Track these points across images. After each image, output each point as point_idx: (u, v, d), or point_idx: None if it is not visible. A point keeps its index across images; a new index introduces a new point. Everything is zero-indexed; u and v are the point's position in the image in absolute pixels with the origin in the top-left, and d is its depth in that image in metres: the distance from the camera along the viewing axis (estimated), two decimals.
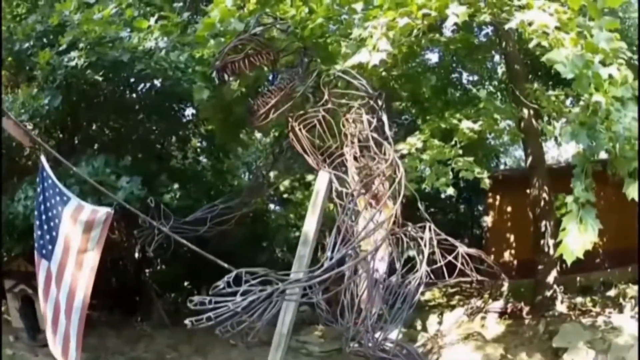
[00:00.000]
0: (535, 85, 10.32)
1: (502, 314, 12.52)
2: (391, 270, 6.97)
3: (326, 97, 7.10)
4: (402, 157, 9.81)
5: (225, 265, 6.65)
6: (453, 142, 9.74)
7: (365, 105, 6.97)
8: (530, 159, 12.71)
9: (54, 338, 6.27)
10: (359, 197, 6.38)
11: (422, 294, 13.04)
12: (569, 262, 5.62)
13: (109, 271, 14.75)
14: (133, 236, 10.27)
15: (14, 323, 11.29)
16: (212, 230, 8.41)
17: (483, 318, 12.27)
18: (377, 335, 6.66)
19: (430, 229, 7.47)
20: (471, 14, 7.69)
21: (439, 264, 7.57)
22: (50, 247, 6.22)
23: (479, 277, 8.56)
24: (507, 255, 14.63)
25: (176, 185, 12.04)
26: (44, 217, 6.29)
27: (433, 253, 7.49)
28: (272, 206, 18.76)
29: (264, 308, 4.56)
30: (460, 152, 9.60)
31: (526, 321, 11.72)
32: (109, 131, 12.86)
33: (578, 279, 13.25)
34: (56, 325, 6.28)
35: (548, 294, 11.96)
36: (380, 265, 7.06)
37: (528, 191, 12.70)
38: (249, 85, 8.80)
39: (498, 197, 15.01)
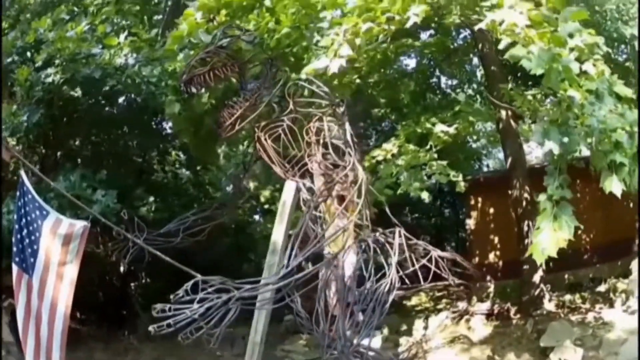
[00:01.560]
0: (510, 85, 10.18)
1: (488, 315, 12.52)
2: (362, 276, 6.98)
3: (291, 106, 7.16)
4: (377, 163, 10.02)
5: (198, 275, 6.56)
6: (428, 147, 9.83)
7: (328, 114, 7.08)
8: (510, 160, 12.67)
9: (35, 354, 6.38)
10: (321, 203, 6.55)
11: (408, 299, 13.24)
12: (538, 262, 5.93)
13: (95, 285, 14.87)
14: (117, 251, 10.51)
15: (4, 337, 11.22)
16: (185, 242, 8.48)
17: (468, 320, 12.33)
18: (351, 341, 6.75)
19: (400, 234, 7.51)
20: (440, 16, 7.88)
21: (411, 269, 7.65)
22: (32, 259, 6.34)
23: (456, 280, 8.66)
24: (492, 257, 14.69)
25: (152, 198, 12.17)
26: (24, 230, 6.42)
27: (404, 259, 7.55)
28: (256, 217, 18.79)
29: (221, 315, 4.71)
30: (436, 156, 9.67)
31: (514, 321, 11.71)
32: (90, 145, 12.91)
33: (566, 276, 13.25)
34: (38, 339, 6.40)
35: (535, 293, 11.89)
36: (350, 271, 7.21)
37: (510, 192, 12.65)
38: (218, 97, 8.87)
39: (480, 200, 15.05)
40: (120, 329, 13.84)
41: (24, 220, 6.43)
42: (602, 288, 12.32)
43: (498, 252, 14.59)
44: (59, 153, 12.54)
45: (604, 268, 13.01)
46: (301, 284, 5.76)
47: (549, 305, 11.80)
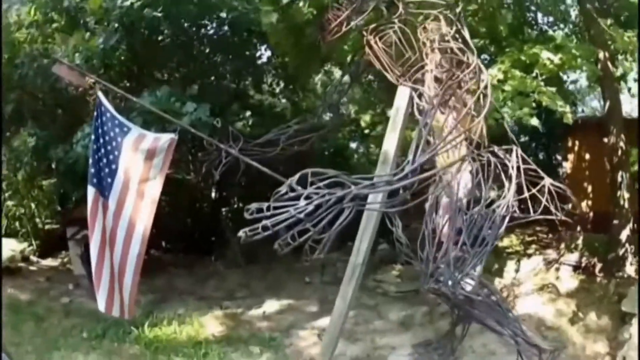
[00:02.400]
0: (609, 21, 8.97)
1: (576, 267, 11.03)
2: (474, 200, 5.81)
3: (401, 9, 6.05)
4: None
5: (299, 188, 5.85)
6: (534, 74, 8.48)
7: (442, 16, 5.91)
8: (607, 104, 11.13)
9: (109, 282, 5.69)
10: (440, 106, 5.32)
11: (501, 238, 11.77)
12: None
13: (184, 212, 13.94)
14: (209, 175, 9.41)
15: (76, 271, 10.72)
16: (285, 152, 7.32)
17: (557, 269, 10.94)
18: (458, 271, 5.58)
19: (517, 154, 6.24)
20: None
21: (526, 194, 6.29)
22: (109, 179, 5.63)
23: (563, 217, 7.11)
24: (583, 206, 12.88)
25: (249, 113, 10.76)
26: (102, 150, 5.68)
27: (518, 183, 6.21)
28: (353, 145, 17.28)
29: (333, 216, 3.37)
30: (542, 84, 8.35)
31: (598, 279, 10.29)
32: (176, 72, 11.51)
33: None
34: (112, 265, 5.71)
35: (620, 252, 10.42)
36: (463, 192, 5.82)
37: (605, 140, 11.14)
38: (319, 6, 7.47)
39: (577, 144, 13.26)
40: (208, 255, 12.81)
41: (101, 140, 5.69)
42: None
43: (590, 202, 12.75)
44: (138, 81, 11.16)
45: None
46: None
47: (629, 269, 10.28)
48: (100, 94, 5.76)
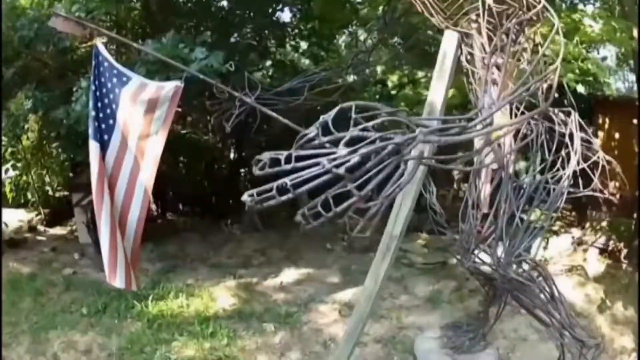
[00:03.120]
0: None
1: (602, 251, 10.01)
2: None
3: None
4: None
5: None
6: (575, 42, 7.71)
7: None
8: None
9: (110, 247, 4.75)
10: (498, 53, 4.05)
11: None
12: None
13: (201, 175, 12.82)
14: (228, 136, 8.09)
15: (81, 239, 9.66)
16: (310, 102, 5.97)
17: (585, 251, 9.93)
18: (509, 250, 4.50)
19: (575, 120, 5.11)
20: None
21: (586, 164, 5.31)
22: (106, 137, 4.79)
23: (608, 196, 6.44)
24: (610, 187, 11.58)
25: (269, 62, 9.38)
26: (99, 104, 4.84)
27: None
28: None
29: (387, 174, 2.01)
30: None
31: (624, 265, 9.39)
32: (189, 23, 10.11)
33: None
34: (114, 228, 4.76)
35: None
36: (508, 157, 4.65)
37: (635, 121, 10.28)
38: None
39: (607, 122, 11.89)
40: (224, 218, 11.52)
41: (98, 92, 4.85)
42: None
43: (617, 183, 11.37)
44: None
45: None
46: None
47: None
48: (98, 42, 4.87)
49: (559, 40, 3.77)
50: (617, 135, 11.70)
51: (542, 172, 4.86)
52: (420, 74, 13.16)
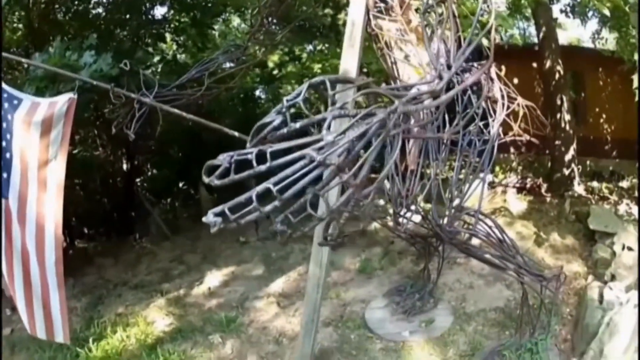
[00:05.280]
0: None
1: (520, 189, 10.49)
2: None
3: None
4: None
5: (236, 133, 4.71)
6: None
7: None
8: (543, 30, 10.43)
9: (26, 301, 4.30)
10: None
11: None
12: None
13: (98, 193, 12.26)
14: (118, 147, 7.61)
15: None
16: (211, 92, 5.54)
17: (505, 192, 10.30)
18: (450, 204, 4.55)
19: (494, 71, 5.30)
20: None
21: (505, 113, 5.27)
22: (5, 175, 4.16)
23: (530, 138, 6.77)
24: (515, 128, 12.08)
25: (157, 58, 8.93)
26: None
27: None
28: (257, 91, 15.55)
29: (377, 153, 1.73)
30: None
31: (547, 199, 9.83)
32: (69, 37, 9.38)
33: (588, 162, 11.55)
34: (28, 281, 4.28)
35: (566, 172, 10.15)
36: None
37: (535, 65, 10.97)
38: None
39: (503, 68, 12.24)
40: (131, 234, 11.10)
41: None
42: (624, 184, 10.75)
43: (522, 125, 11.89)
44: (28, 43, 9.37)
45: (623, 163, 11.40)
46: None
47: (577, 189, 10.09)
48: None
49: None
50: (516, 81, 12.22)
51: (467, 124, 4.80)
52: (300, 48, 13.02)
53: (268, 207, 1.60)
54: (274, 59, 13.35)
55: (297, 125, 1.70)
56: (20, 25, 9.13)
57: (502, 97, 5.30)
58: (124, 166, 12.48)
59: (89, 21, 9.64)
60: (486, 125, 4.98)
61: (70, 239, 11.58)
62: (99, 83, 4.73)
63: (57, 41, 6.40)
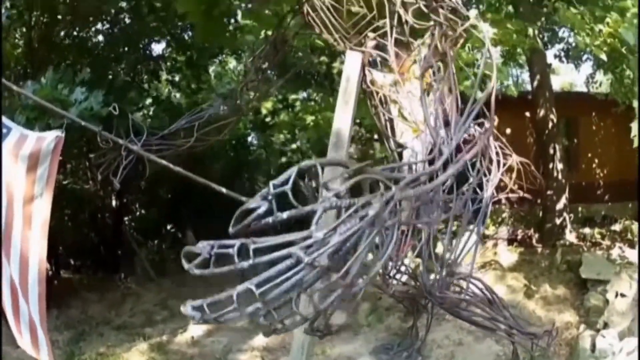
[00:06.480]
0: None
1: (511, 241, 10.44)
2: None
3: None
4: None
5: (224, 190, 4.49)
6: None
7: None
8: (537, 79, 10.43)
9: (18, 328, 4.10)
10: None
11: None
12: None
13: (86, 226, 12.12)
14: (108, 183, 7.45)
15: None
16: (201, 143, 5.37)
17: (496, 245, 10.15)
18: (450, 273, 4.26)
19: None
20: None
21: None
22: None
23: (524, 195, 6.61)
24: (506, 180, 11.99)
25: (149, 101, 8.82)
26: None
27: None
28: (249, 137, 15.66)
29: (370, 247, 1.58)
30: None
31: (538, 250, 9.78)
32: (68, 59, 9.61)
33: (580, 209, 11.43)
34: (17, 312, 4.11)
35: (558, 221, 10.07)
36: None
37: (527, 114, 11.01)
38: None
39: (496, 119, 12.22)
40: (116, 272, 10.94)
41: None
42: (616, 227, 10.69)
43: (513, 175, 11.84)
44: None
45: (615, 207, 11.49)
46: None
47: (569, 237, 10.05)
48: None
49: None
50: (508, 131, 12.24)
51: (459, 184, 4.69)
52: (293, 96, 13.03)
53: (249, 309, 1.46)
54: (267, 105, 13.38)
55: (284, 215, 1.56)
56: (22, 42, 9.19)
57: (497, 154, 5.19)
58: (113, 202, 12.37)
59: (88, 49, 9.71)
60: (480, 185, 4.90)
61: (56, 268, 11.43)
62: (87, 124, 4.59)
63: (50, 72, 6.27)
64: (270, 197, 1.58)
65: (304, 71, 10.93)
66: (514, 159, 5.85)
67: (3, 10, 7.60)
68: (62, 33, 9.46)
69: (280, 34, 5.29)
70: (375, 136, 11.44)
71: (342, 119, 4.22)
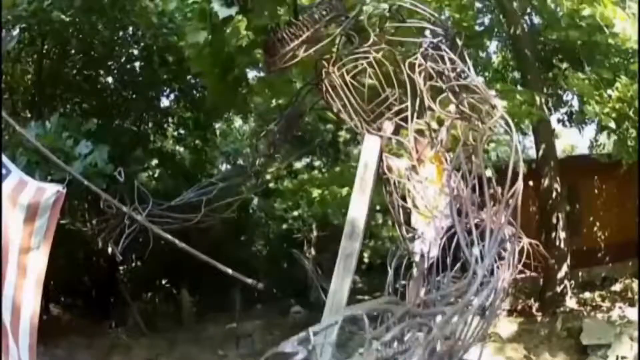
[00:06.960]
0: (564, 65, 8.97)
1: (511, 311, 10.28)
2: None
3: (373, 37, 4.10)
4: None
5: (229, 271, 4.46)
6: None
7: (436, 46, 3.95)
8: (542, 147, 10.55)
9: None
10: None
11: None
12: None
13: (80, 266, 11.85)
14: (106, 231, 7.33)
15: None
16: (208, 219, 5.18)
17: (495, 316, 9.61)
18: None
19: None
20: None
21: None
22: None
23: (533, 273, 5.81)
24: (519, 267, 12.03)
25: (155, 161, 8.71)
26: None
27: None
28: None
29: None
30: None
31: (538, 318, 9.75)
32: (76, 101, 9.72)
33: (580, 273, 11.41)
34: (7, 352, 3.93)
35: (559, 289, 10.04)
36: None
37: (531, 183, 10.78)
38: (260, 29, 5.36)
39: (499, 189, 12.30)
40: (107, 319, 10.85)
41: None
42: (617, 287, 10.78)
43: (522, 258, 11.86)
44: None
45: (616, 267, 11.46)
46: None
47: (570, 303, 10.06)
48: None
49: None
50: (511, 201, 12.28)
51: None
52: (298, 164, 12.92)
53: None
54: (270, 170, 13.38)
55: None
56: (32, 69, 9.19)
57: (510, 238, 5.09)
58: (109, 249, 12.15)
59: (97, 90, 9.69)
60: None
61: (46, 302, 11.11)
62: (90, 185, 4.47)
63: (56, 117, 6.19)
64: (310, 347, 1.51)
65: (309, 137, 10.97)
66: (525, 242, 5.80)
67: (15, 32, 7.56)
68: (74, 71, 9.51)
69: (294, 109, 5.24)
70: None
71: (358, 208, 4.06)
